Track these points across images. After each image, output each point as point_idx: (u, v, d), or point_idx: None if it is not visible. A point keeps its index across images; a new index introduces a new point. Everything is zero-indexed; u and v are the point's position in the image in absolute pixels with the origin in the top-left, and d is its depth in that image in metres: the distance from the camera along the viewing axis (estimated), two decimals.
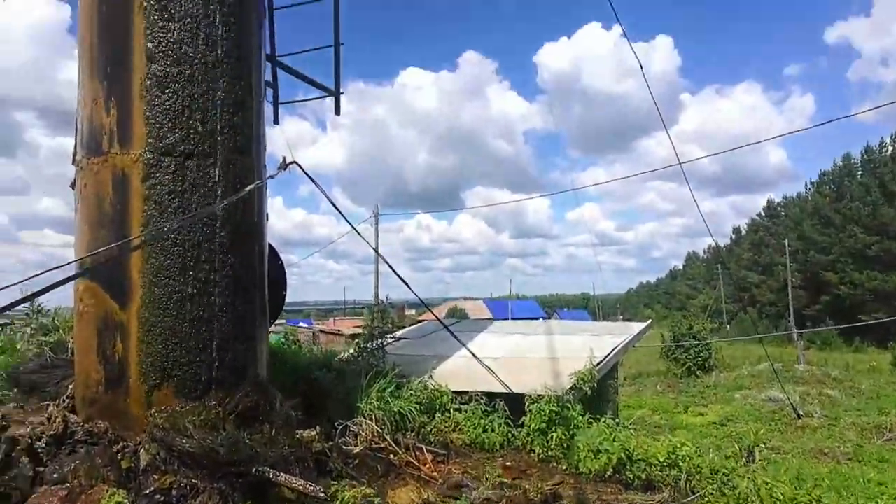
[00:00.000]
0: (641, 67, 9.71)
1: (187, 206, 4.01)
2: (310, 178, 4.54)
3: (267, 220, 4.71)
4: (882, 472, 12.11)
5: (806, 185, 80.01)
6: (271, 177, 4.36)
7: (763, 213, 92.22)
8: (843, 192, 67.39)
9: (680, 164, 12.22)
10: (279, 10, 5.23)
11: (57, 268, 3.30)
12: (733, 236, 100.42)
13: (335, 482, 4.05)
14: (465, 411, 5.87)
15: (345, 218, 5.41)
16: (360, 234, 5.49)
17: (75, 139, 4.21)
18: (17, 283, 2.95)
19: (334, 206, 4.91)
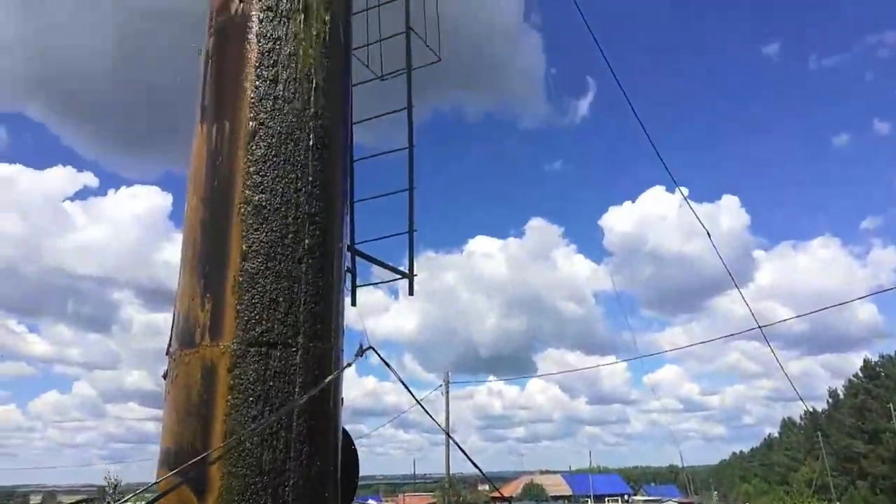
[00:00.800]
0: (709, 235, 9.75)
1: (268, 394, 4.10)
2: (385, 363, 4.62)
3: (342, 404, 4.74)
4: None
5: None
6: (349, 365, 4.46)
7: (861, 374, 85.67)
8: None
9: (759, 327, 11.74)
10: (359, 202, 5.67)
11: (156, 482, 3.34)
12: (830, 400, 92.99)
13: None
14: None
15: (416, 400, 5.36)
16: (428, 414, 5.41)
17: (170, 332, 4.49)
18: None
19: (407, 388, 4.92)
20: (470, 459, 5.62)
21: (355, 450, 5.17)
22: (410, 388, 5.32)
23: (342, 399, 4.81)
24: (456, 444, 5.67)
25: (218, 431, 4.06)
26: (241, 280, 4.19)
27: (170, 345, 4.50)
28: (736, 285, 10.67)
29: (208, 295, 4.23)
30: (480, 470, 5.84)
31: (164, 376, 4.50)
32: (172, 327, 4.49)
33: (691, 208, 10.74)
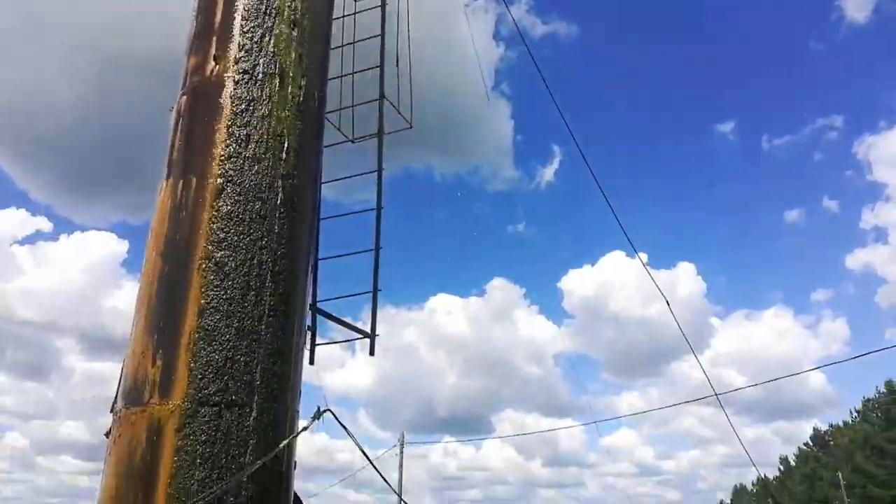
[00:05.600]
0: (668, 304, 9.97)
1: (217, 457, 3.97)
2: (342, 426, 4.52)
3: (295, 468, 4.60)
4: None
5: (851, 412, 76.64)
6: (304, 429, 4.35)
7: (811, 443, 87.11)
8: (892, 420, 63.98)
9: (716, 395, 11.90)
10: (323, 260, 5.65)
11: None
12: (781, 467, 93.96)
13: None
14: None
15: (369, 461, 5.24)
16: (382, 476, 5.28)
17: (117, 389, 4.33)
18: None
19: (363, 451, 4.81)
20: None
21: None
22: (365, 450, 5.21)
23: (295, 462, 4.67)
24: None
25: (161, 495, 3.88)
26: (197, 337, 4.10)
27: (115, 402, 4.34)
28: (694, 353, 10.85)
29: (161, 351, 4.11)
30: None
31: (107, 435, 4.31)
32: (119, 384, 4.33)
33: (650, 275, 10.98)
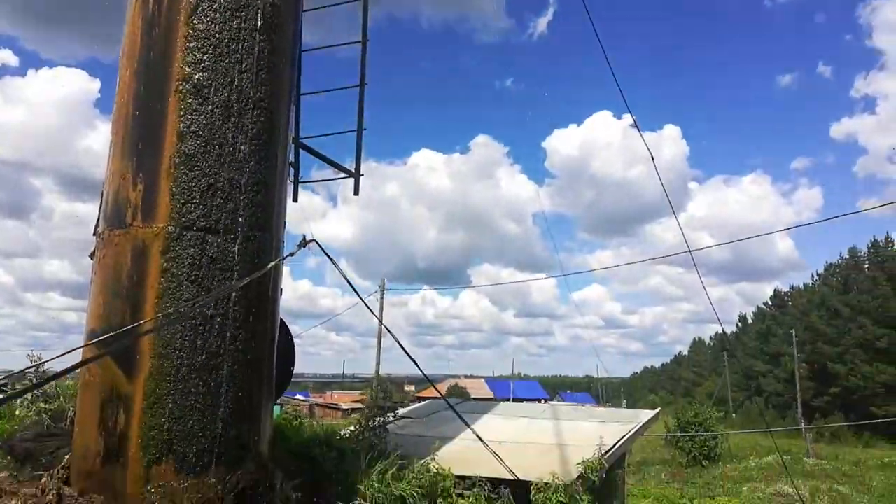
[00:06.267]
0: (653, 158, 9.95)
1: (204, 280, 4.05)
2: (328, 256, 4.62)
3: (280, 294, 4.74)
4: None
5: (812, 276, 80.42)
6: (291, 254, 4.43)
7: (770, 303, 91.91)
8: (850, 285, 67.34)
9: (689, 251, 12.29)
10: (306, 95, 5.46)
11: (71, 351, 3.28)
12: (739, 324, 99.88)
13: None
14: (468, 497, 5.70)
15: (357, 294, 5.43)
16: (371, 310, 5.51)
17: (99, 211, 4.31)
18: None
19: (349, 282, 4.96)
20: (410, 357, 5.79)
21: (292, 339, 5.24)
22: (351, 283, 5.37)
23: (281, 290, 4.81)
24: (392, 335, 5.83)
25: (149, 314, 3.99)
26: (178, 161, 4.02)
27: (97, 225, 4.34)
28: (673, 211, 11.03)
29: (141, 175, 4.05)
30: (417, 364, 6.04)
31: (92, 256, 4.36)
32: (101, 207, 4.31)
33: (639, 130, 10.85)
